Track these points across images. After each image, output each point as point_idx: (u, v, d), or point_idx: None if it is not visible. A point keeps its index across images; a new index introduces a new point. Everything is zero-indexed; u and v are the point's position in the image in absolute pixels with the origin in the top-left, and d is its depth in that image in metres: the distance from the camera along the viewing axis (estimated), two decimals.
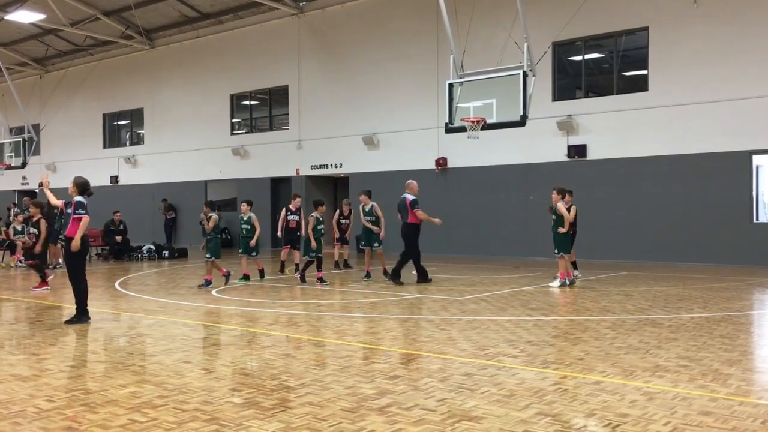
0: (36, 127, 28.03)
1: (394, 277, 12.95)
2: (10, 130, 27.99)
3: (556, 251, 12.52)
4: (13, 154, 25.99)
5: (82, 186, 9.13)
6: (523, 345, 7.33)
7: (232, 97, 25.61)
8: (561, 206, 12.43)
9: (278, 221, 15.37)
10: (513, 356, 6.76)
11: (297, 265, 15.09)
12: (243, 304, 10.60)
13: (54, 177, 31.07)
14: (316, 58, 23.31)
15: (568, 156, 18.49)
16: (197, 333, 8.19)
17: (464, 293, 11.71)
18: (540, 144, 18.70)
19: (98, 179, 29.05)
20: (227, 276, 12.79)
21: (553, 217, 12.54)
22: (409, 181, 13.58)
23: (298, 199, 15.37)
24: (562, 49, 18.95)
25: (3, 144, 26.55)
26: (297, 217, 15.08)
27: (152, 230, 25.69)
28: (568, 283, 12.40)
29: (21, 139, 26.15)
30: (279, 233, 15.29)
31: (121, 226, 20.43)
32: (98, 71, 29.54)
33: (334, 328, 8.57)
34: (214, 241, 12.72)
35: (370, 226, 14.09)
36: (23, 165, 25.75)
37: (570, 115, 18.40)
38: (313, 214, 12.87)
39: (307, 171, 23.49)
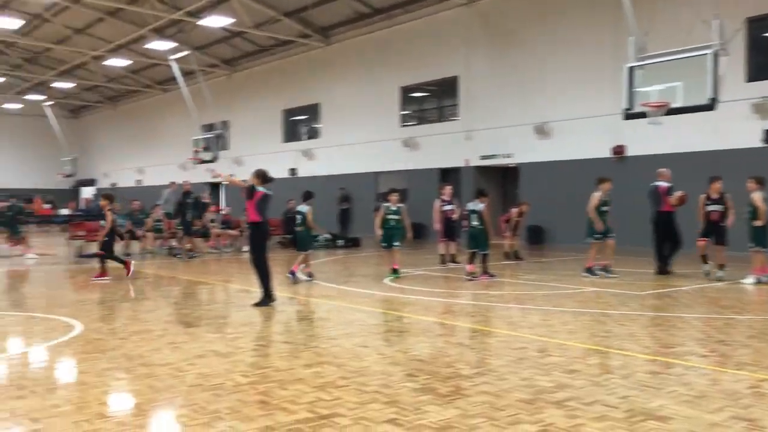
0: (225, 124, 30.32)
1: (664, 266, 12.71)
2: (202, 126, 30.47)
3: (751, 245, 11.50)
4: (205, 149, 28.31)
5: (262, 176, 9.67)
6: (714, 345, 6.84)
7: (401, 89, 26.11)
8: (757, 197, 11.40)
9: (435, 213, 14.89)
10: (703, 356, 6.34)
11: (453, 255, 15.07)
12: (415, 293, 10.79)
13: (239, 170, 33.45)
14: (486, 47, 23.12)
15: (765, 141, 16.91)
16: (373, 319, 8.47)
17: (645, 288, 11.11)
18: (730, 129, 17.25)
19: (278, 172, 30.87)
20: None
21: (749, 208, 11.53)
22: (662, 169, 13.21)
23: (448, 188, 15.13)
24: (756, 25, 17.32)
25: (197, 140, 29.00)
26: (453, 207, 14.89)
27: (327, 220, 26.89)
28: (765, 280, 11.35)
29: (212, 135, 28.43)
30: (436, 225, 14.93)
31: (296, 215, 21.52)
32: (279, 70, 31.34)
33: (506, 319, 8.50)
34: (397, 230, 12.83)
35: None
36: (213, 159, 27.94)
37: (767, 97, 16.81)
38: (479, 204, 12.58)
39: (476, 161, 23.41)
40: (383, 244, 12.95)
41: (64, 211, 35.84)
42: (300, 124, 31.56)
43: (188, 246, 17.56)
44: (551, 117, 21.23)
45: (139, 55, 31.89)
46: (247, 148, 33.08)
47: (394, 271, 12.59)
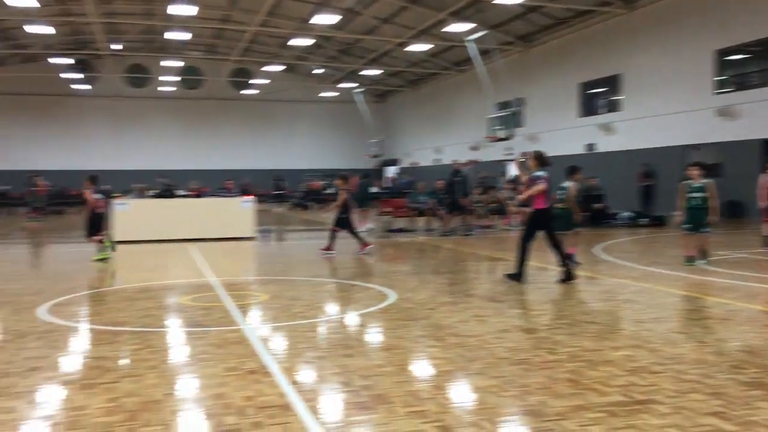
0: (520, 101, 30.32)
1: None
2: (497, 104, 30.86)
3: None
4: (500, 127, 28.69)
5: (540, 158, 9.89)
6: None
7: (716, 53, 23.62)
8: None
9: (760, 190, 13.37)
10: None
11: None
12: (735, 278, 9.74)
13: (534, 146, 33.27)
14: None
15: None
16: (687, 304, 7.88)
17: None
18: None
19: (573, 147, 30.11)
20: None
21: None
22: None
23: None
24: None
25: (492, 118, 29.50)
26: None
27: (629, 197, 25.54)
28: None
29: (507, 112, 28.68)
30: (762, 202, 13.36)
31: (598, 192, 20.79)
32: (576, 42, 30.38)
33: None
34: None
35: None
36: (509, 137, 28.19)
37: None
38: None
39: None
40: (686, 227, 11.23)
41: (373, 189, 39.08)
42: (598, 97, 30.32)
43: (451, 224, 17.84)
44: None
45: (439, 38, 33.27)
46: (542, 125, 32.76)
47: (690, 259, 11.06)
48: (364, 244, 13.65)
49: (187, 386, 4.99)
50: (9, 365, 5.48)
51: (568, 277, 9.51)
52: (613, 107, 28.98)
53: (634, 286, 9.18)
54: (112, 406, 4.45)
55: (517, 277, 9.56)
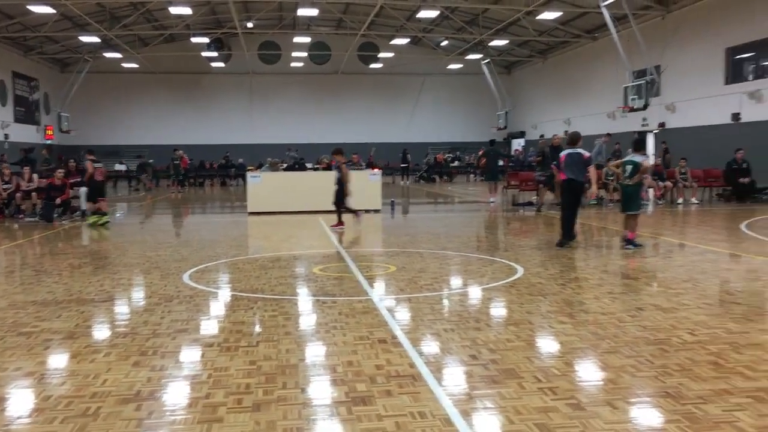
0: (657, 69, 28.72)
1: None
2: (633, 73, 29.36)
3: None
4: (636, 96, 27.32)
5: (569, 139, 11.01)
6: None
7: None
8: None
9: None
10: None
11: None
12: None
13: (671, 116, 31.55)
14: None
15: None
16: None
17: None
18: None
19: (718, 117, 28.17)
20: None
21: None
22: None
23: None
24: None
25: (627, 87, 28.13)
26: None
27: None
28: None
29: (643, 81, 27.24)
30: None
31: (744, 165, 19.40)
32: (721, 4, 28.24)
33: None
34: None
35: None
36: (645, 107, 26.80)
37: None
38: None
39: None
40: None
41: (500, 163, 38.50)
42: (746, 62, 28.11)
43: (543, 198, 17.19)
44: None
45: (570, 5, 32.00)
46: (681, 94, 30.85)
47: (629, 242, 10.14)
48: (339, 223, 13.55)
49: (320, 353, 5.17)
50: (158, 326, 5.91)
51: (565, 240, 10.54)
52: (763, 73, 26.81)
53: None
54: (251, 368, 4.70)
55: (563, 242, 10.59)
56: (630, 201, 10.38)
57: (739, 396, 4.02)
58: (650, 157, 19.06)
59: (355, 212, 13.91)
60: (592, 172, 10.80)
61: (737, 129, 26.79)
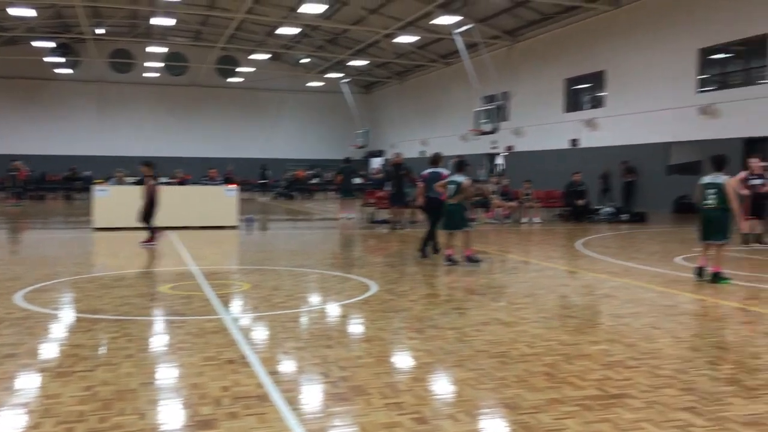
0: (505, 95, 30.38)
1: None
2: (483, 98, 30.90)
3: None
4: (486, 120, 28.74)
5: (430, 159, 12.10)
6: None
7: (699, 51, 23.77)
8: None
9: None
10: None
11: (758, 235, 13.41)
12: None
13: (518, 140, 33.41)
14: None
15: None
16: (664, 300, 7.93)
17: None
18: None
19: (558, 142, 30.23)
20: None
21: None
22: None
23: (756, 160, 13.43)
24: None
25: (478, 111, 29.53)
26: (763, 181, 13.21)
27: (611, 193, 25.70)
28: None
29: (493, 106, 28.71)
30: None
31: (581, 187, 20.92)
32: (562, 37, 30.45)
33: None
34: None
35: None
36: (494, 130, 28.23)
37: None
38: None
39: None
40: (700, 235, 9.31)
41: (357, 180, 39.02)
42: (583, 93, 30.44)
43: (397, 216, 17.69)
44: None
45: (426, 30, 33.21)
46: (527, 119, 32.86)
47: (716, 276, 8.96)
48: (151, 239, 13.24)
49: (164, 376, 4.96)
50: None
51: (420, 254, 11.41)
52: (597, 103, 29.12)
53: (613, 281, 9.27)
54: (87, 394, 4.42)
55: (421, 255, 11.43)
56: (453, 219, 10.75)
57: (569, 405, 4.30)
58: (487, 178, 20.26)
59: (153, 231, 13.29)
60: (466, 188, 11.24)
61: (575, 153, 28.87)
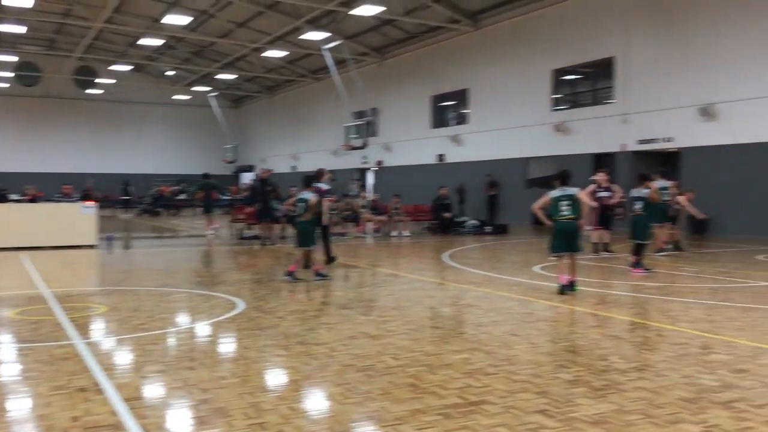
0: (374, 111, 30.91)
1: None
2: (353, 113, 31.27)
3: None
4: (356, 135, 29.08)
5: (317, 173, 12.07)
6: None
7: (553, 72, 25.34)
8: None
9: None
10: None
11: (606, 244, 14.46)
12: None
13: (388, 155, 34.03)
14: (646, 25, 21.85)
15: None
16: (522, 308, 8.33)
17: None
18: None
19: (426, 158, 31.09)
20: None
21: None
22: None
23: (602, 174, 14.53)
24: None
25: (348, 126, 29.83)
26: (609, 194, 14.30)
27: (476, 206, 26.73)
28: None
29: (362, 122, 29.12)
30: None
31: (447, 201, 21.59)
32: (428, 56, 31.45)
33: (665, 312, 8.06)
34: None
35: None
36: (364, 145, 28.62)
37: None
38: (643, 190, 12.13)
39: (633, 146, 22.30)
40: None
41: (225, 195, 38.18)
42: (448, 109, 31.54)
43: (266, 232, 17.66)
44: (718, 98, 19.75)
45: (295, 45, 33.22)
46: (396, 135, 33.57)
47: (571, 285, 9.17)
48: None
49: (8, 408, 4.60)
50: None
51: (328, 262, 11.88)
52: (462, 120, 30.26)
53: (477, 291, 9.62)
54: None
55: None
56: (304, 237, 10.71)
57: (431, 414, 4.39)
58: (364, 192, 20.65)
59: None
60: (325, 204, 11.60)
61: (443, 168, 29.78)
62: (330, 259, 12.26)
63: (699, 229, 19.69)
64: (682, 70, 20.61)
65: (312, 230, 10.79)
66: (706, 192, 18.01)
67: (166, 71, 43.01)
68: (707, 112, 19.88)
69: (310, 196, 10.65)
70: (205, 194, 20.49)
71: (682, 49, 20.64)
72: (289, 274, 10.55)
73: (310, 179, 11.16)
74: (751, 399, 4.65)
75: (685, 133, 20.64)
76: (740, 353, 5.97)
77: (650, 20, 21.75)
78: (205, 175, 21.39)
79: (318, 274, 10.72)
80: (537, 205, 9.53)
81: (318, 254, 11.29)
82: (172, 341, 6.75)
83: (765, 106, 18.51)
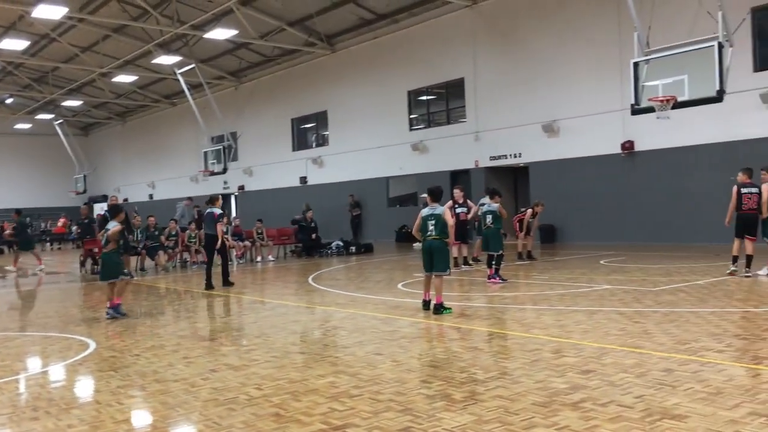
0: (233, 135, 30.40)
1: None
2: (212, 138, 30.58)
3: (766, 238, 11.40)
4: (215, 161, 28.42)
5: (210, 199, 13.68)
6: (730, 339, 6.77)
7: (409, 93, 26.10)
8: (766, 188, 11.31)
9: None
10: (718, 351, 6.26)
11: (465, 257, 15.06)
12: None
13: (249, 180, 33.56)
14: (492, 48, 23.08)
15: None
16: (386, 326, 8.43)
17: (658, 284, 11.03)
18: (740, 120, 17.12)
19: (289, 180, 30.96)
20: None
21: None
22: None
23: (458, 191, 15.18)
24: (762, 15, 17.19)
25: (207, 152, 29.10)
26: (465, 209, 14.92)
27: (340, 227, 26.87)
28: None
29: (221, 147, 28.51)
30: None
31: (312, 224, 21.56)
32: (285, 79, 31.43)
33: (520, 320, 8.45)
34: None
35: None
36: (224, 171, 28.02)
37: None
38: (493, 204, 12.71)
39: (485, 162, 23.36)
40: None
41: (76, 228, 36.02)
42: (309, 132, 31.62)
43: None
44: (559, 115, 21.16)
45: (146, 70, 32.09)
46: (257, 158, 33.19)
47: (439, 307, 9.03)
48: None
49: None
50: None
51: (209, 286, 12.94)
52: (322, 141, 30.44)
53: (342, 312, 9.64)
54: None
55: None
56: (109, 269, 10.21)
57: None
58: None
59: None
60: (219, 228, 13.07)
61: (306, 190, 29.76)
62: (227, 283, 13.46)
63: (548, 238, 20.92)
64: (526, 90, 21.91)
65: (115, 262, 10.19)
66: (553, 203, 19.21)
67: (6, 99, 40.11)
68: (550, 129, 21.23)
69: (112, 225, 10.14)
70: (20, 230, 20.36)
71: (524, 70, 21.96)
72: (114, 308, 9.96)
73: (114, 209, 10.75)
74: (597, 398, 4.95)
75: (532, 148, 21.92)
76: (586, 354, 6.36)
77: (493, 43, 22.98)
78: (18, 211, 21.26)
79: (114, 308, 9.99)
80: (414, 229, 9.56)
81: (122, 286, 10.30)
82: (11, 390, 6.22)
83: (599, 122, 20.03)
